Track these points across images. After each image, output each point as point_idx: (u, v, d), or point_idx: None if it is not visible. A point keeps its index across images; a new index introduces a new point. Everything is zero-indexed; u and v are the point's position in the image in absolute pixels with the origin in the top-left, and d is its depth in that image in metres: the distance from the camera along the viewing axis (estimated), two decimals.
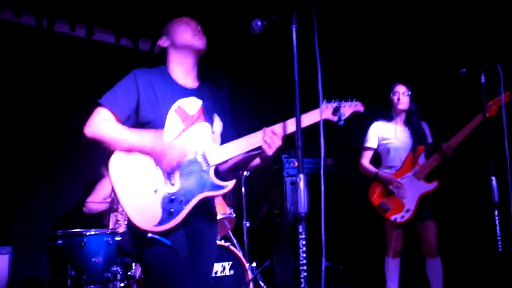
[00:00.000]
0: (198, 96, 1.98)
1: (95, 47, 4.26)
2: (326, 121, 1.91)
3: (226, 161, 1.95)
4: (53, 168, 3.95)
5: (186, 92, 1.96)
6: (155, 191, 1.77)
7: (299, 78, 1.64)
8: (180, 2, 3.58)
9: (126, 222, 3.32)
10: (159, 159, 1.79)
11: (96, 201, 3.61)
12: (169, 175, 1.80)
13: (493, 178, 2.46)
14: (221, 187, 1.86)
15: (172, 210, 1.76)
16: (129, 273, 3.18)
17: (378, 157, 3.50)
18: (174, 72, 1.99)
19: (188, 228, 1.86)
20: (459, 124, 3.08)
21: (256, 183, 4.36)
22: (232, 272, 3.46)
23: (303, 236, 1.58)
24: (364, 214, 3.73)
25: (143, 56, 4.47)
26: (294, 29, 1.68)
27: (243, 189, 3.95)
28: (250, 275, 3.50)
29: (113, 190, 1.78)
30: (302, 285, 1.58)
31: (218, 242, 3.42)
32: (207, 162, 1.86)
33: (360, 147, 3.52)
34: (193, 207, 1.80)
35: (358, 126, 3.38)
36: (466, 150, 3.24)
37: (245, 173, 3.89)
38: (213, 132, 1.97)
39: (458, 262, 3.65)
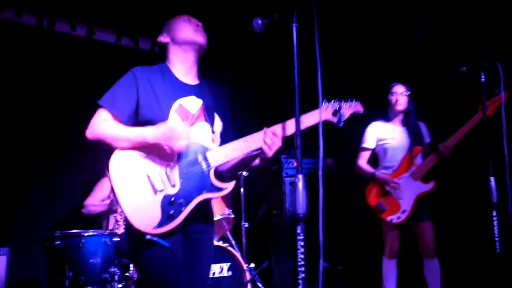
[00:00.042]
0: (199, 94, 1.97)
1: (96, 46, 4.26)
2: (326, 122, 1.91)
3: (226, 162, 1.94)
4: (52, 168, 3.94)
5: (186, 89, 1.94)
6: (155, 192, 1.76)
7: (299, 78, 1.64)
8: (181, 1, 3.58)
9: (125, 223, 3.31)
10: (168, 140, 1.75)
11: (94, 203, 3.61)
12: (168, 176, 1.79)
13: (492, 178, 2.46)
14: (220, 189, 1.86)
15: (172, 212, 1.75)
16: (127, 274, 3.17)
17: (375, 157, 3.50)
18: (175, 69, 1.98)
19: (185, 229, 1.85)
20: (457, 124, 3.08)
21: (255, 183, 4.35)
22: (230, 273, 3.44)
23: (302, 237, 1.57)
24: (363, 215, 3.72)
25: (144, 55, 4.48)
26: (294, 28, 1.68)
27: (241, 190, 3.94)
28: (248, 276, 3.49)
29: (112, 190, 1.77)
30: (300, 286, 1.58)
31: (216, 243, 3.41)
32: (207, 163, 1.85)
33: (358, 147, 3.52)
34: (192, 209, 1.79)
35: (357, 126, 3.39)
36: (464, 150, 3.24)
37: (244, 173, 3.89)
38: (213, 132, 1.96)
39: (456, 264, 3.64)
